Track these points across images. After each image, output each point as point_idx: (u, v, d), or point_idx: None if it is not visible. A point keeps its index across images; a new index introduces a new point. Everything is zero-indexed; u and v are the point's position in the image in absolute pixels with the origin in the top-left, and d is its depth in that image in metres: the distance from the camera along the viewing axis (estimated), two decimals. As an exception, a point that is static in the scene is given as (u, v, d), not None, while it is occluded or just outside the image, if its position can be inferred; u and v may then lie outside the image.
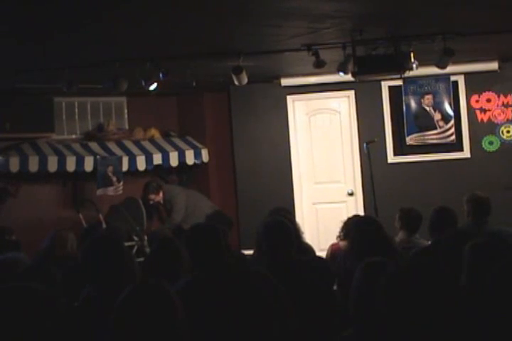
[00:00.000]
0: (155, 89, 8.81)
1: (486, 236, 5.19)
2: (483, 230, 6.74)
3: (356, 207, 10.73)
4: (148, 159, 11.16)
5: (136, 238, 10.35)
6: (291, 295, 4.32)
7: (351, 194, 10.86)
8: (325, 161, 11.05)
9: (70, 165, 10.63)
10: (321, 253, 7.08)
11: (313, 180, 11.11)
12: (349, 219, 6.96)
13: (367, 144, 9.87)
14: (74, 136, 11.39)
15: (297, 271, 4.96)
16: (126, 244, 9.51)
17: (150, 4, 6.07)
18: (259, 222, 5.74)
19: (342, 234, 6.84)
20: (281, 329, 4.07)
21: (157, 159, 11.20)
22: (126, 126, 11.75)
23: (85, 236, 7.12)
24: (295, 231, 5.75)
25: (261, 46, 8.18)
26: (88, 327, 3.71)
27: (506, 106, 10.63)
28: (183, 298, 3.16)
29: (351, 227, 5.95)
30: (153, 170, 11.37)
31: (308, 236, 9.75)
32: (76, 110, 11.42)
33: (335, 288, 5.37)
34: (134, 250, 9.98)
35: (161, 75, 8.35)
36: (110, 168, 10.84)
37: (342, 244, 6.77)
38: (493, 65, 10.47)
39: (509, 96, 10.61)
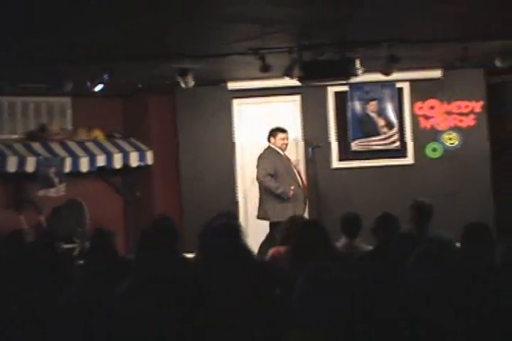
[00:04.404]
0: (101, 91, 8.74)
1: (426, 242, 5.23)
2: (425, 236, 6.81)
3: (300, 211, 10.73)
4: (92, 160, 11.06)
5: (77, 240, 10.25)
6: (235, 299, 4.31)
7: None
8: (270, 165, 11.03)
9: (11, 165, 10.48)
10: (264, 257, 7.06)
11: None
12: (288, 222, 7.00)
13: (312, 149, 9.91)
14: (16, 136, 11.24)
15: (241, 275, 4.95)
16: (67, 246, 9.43)
17: (98, 5, 6.02)
18: (205, 225, 5.73)
19: (282, 238, 6.88)
20: (222, 335, 4.05)
21: (100, 160, 11.10)
22: (70, 127, 11.64)
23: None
24: (242, 235, 5.74)
25: (208, 49, 8.18)
26: (27, 331, 3.66)
27: (449, 113, 10.76)
28: (124, 299, 3.13)
29: (295, 231, 5.96)
30: (96, 172, 11.27)
31: (252, 240, 9.75)
32: (19, 109, 11.28)
33: (277, 292, 5.36)
34: (76, 252, 9.89)
35: (106, 76, 8.28)
36: (52, 169, 10.71)
37: (282, 248, 6.79)
38: (437, 73, 10.60)
39: (452, 104, 10.74)
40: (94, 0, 5.93)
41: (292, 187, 9.79)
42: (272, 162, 9.87)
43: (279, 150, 9.99)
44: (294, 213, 9.33)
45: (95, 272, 4.86)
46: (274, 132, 10.08)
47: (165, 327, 3.90)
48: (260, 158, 10.05)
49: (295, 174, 9.95)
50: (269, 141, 10.07)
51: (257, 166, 9.98)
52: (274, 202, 9.74)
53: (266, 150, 10.06)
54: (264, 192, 9.82)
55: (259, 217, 9.90)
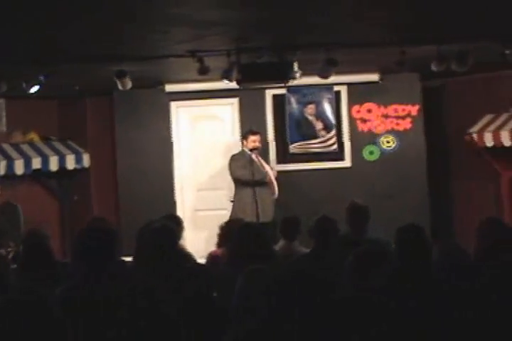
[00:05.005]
0: (36, 92, 8.62)
1: (364, 244, 5.27)
2: (362, 238, 6.85)
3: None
4: (27, 163, 10.91)
5: (12, 244, 10.10)
6: (174, 302, 4.29)
7: (233, 201, 10.86)
8: (208, 168, 11.03)
9: None
10: (202, 260, 7.05)
11: (196, 186, 11.09)
12: (226, 224, 7.01)
13: (250, 151, 9.90)
14: None
15: (179, 277, 4.93)
16: (2, 250, 9.26)
17: (35, 5, 5.93)
18: (143, 228, 5.69)
19: (219, 240, 6.90)
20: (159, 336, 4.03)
21: (36, 163, 10.95)
22: (5, 129, 11.46)
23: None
24: (178, 238, 5.73)
25: (145, 51, 8.13)
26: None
27: (386, 117, 10.87)
28: (61, 304, 3.10)
29: (233, 234, 5.96)
30: (32, 175, 11.12)
31: (190, 243, 9.72)
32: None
33: (215, 294, 5.35)
34: (10, 256, 9.74)
35: (42, 78, 8.18)
36: (-13, 172, 10.55)
37: (220, 250, 6.81)
38: (374, 77, 10.70)
39: (389, 108, 10.85)
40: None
41: (268, 170, 9.96)
42: (241, 161, 9.93)
43: (250, 153, 10.03)
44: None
45: (29, 275, 4.79)
46: (245, 134, 10.19)
47: (101, 331, 3.87)
48: (230, 159, 10.12)
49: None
50: (242, 143, 10.15)
51: (229, 168, 10.07)
52: (252, 202, 9.72)
53: (237, 153, 10.17)
54: (248, 191, 9.80)
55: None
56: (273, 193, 10.02)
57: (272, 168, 10.26)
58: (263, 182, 9.82)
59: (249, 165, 9.78)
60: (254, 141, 10.06)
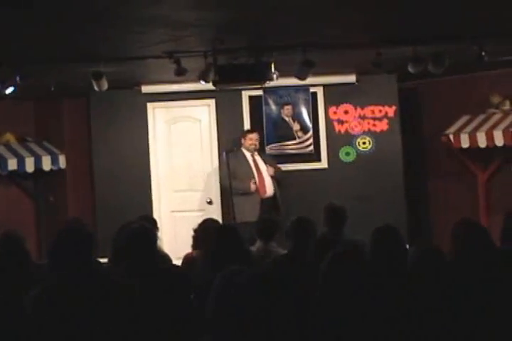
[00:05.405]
0: (12, 93, 8.58)
1: (341, 245, 5.28)
2: (339, 239, 6.86)
3: (215, 215, 10.72)
4: (3, 164, 10.84)
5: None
6: (152, 303, 4.28)
7: (210, 202, 10.87)
8: (184, 169, 11.01)
9: None
10: (178, 261, 7.04)
11: (172, 188, 11.06)
12: (200, 226, 7.00)
13: (226, 153, 9.90)
14: None
15: (158, 279, 4.92)
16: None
17: (10, 5, 5.90)
18: (120, 229, 5.67)
19: (195, 242, 6.90)
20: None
21: (12, 164, 10.89)
22: (-20, 130, 11.41)
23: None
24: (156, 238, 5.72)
25: (122, 52, 8.10)
26: None
27: (363, 118, 10.89)
28: (37, 305, 3.09)
29: (209, 235, 5.95)
30: (7, 176, 11.06)
31: (166, 245, 9.70)
32: None
33: (192, 296, 5.35)
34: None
35: (18, 79, 8.13)
36: (-38, 173, 10.49)
37: (196, 252, 6.80)
38: (351, 78, 10.72)
39: (365, 109, 10.87)
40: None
41: (253, 181, 9.99)
42: (229, 164, 9.91)
43: (246, 152, 10.22)
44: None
45: (5, 277, 4.76)
46: (243, 134, 10.39)
47: (78, 332, 3.86)
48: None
49: (254, 177, 10.09)
50: (241, 143, 10.35)
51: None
52: (242, 203, 9.80)
53: (231, 154, 10.20)
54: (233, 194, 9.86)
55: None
56: (262, 193, 10.03)
57: (269, 165, 10.30)
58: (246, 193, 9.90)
59: (238, 163, 9.99)
60: (251, 138, 10.28)
